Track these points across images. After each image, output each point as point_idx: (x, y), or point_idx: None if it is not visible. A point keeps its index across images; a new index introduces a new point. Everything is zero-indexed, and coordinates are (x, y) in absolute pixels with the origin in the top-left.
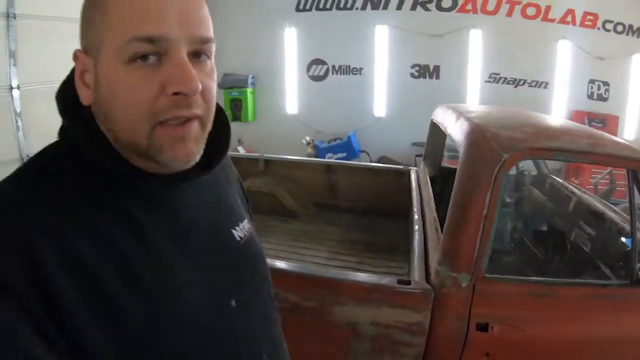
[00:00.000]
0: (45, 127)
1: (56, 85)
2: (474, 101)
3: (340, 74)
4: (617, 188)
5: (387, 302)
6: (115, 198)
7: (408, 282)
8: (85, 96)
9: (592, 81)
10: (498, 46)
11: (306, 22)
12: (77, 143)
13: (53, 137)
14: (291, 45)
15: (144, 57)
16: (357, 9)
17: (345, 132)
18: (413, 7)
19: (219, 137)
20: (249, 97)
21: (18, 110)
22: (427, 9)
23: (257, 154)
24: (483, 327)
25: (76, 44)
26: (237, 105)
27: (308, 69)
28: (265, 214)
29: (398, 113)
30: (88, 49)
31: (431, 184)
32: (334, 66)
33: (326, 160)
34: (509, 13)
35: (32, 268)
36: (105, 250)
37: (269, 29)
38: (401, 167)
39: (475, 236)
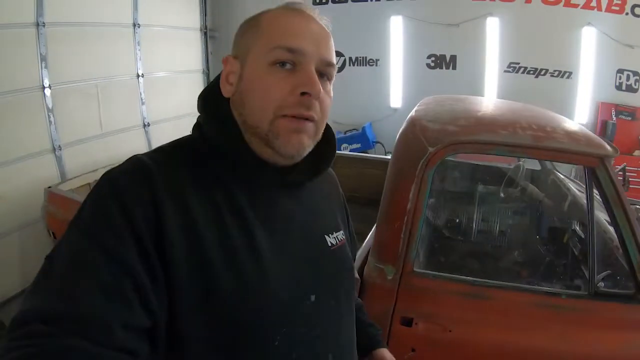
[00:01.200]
0: (73, 120)
1: (83, 83)
2: (492, 92)
3: (357, 65)
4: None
5: None
6: (230, 182)
7: None
8: (227, 90)
9: (620, 71)
10: (517, 34)
11: (323, 15)
12: (208, 133)
13: (80, 127)
14: None
15: (282, 63)
16: (372, 0)
17: (361, 123)
18: None
19: (325, 149)
20: None
21: (50, 106)
22: None
23: None
24: (407, 322)
25: (100, 46)
26: None
27: None
28: None
29: (414, 104)
30: (238, 55)
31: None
32: (350, 58)
33: (350, 153)
34: None
35: (155, 212)
36: (214, 223)
37: None
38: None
39: (400, 230)
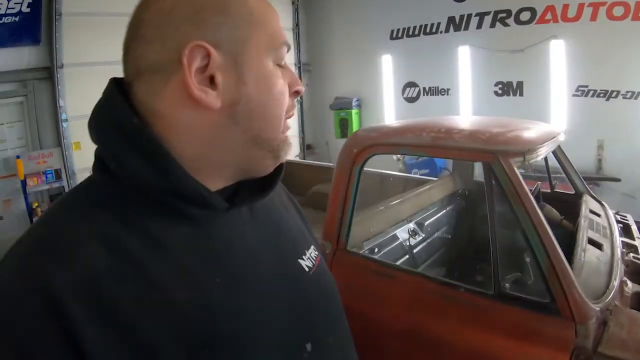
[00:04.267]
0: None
1: None
2: (561, 117)
3: (430, 95)
4: None
5: None
6: (175, 239)
7: None
8: (213, 99)
9: None
10: (584, 55)
11: (399, 49)
12: (143, 172)
13: None
14: (387, 70)
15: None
16: (441, 32)
17: None
18: (492, 25)
19: None
20: (354, 117)
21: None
22: (506, 25)
23: (331, 163)
24: None
25: None
26: (345, 124)
27: (403, 91)
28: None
29: None
30: (219, 44)
31: (459, 198)
32: (424, 88)
33: (378, 170)
34: (593, 17)
35: (53, 310)
36: (152, 300)
37: (369, 57)
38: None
39: (335, 214)
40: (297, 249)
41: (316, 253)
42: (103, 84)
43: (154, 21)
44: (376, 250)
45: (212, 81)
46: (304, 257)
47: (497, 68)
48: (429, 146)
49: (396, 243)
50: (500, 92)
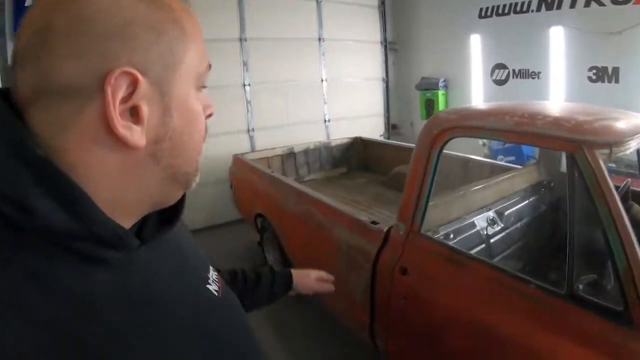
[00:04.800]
0: (264, 109)
1: (274, 84)
2: None
3: (520, 77)
4: None
5: (359, 233)
6: (83, 282)
7: (376, 223)
8: (138, 137)
9: None
10: None
11: (488, 28)
12: (41, 213)
13: (269, 117)
14: (476, 50)
15: None
16: (532, 11)
17: None
18: (587, 4)
19: None
20: (441, 98)
21: (248, 99)
22: (601, 4)
23: (413, 144)
24: (404, 271)
25: (290, 56)
26: (430, 105)
27: (491, 73)
28: None
29: None
30: (148, 69)
31: (542, 189)
32: (514, 70)
33: (458, 154)
34: None
35: None
36: None
37: (456, 36)
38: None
39: (411, 196)
40: (201, 274)
41: (215, 273)
42: None
43: (69, 30)
44: (452, 236)
45: (133, 113)
46: (209, 281)
47: (592, 51)
48: (509, 131)
49: (473, 231)
50: (594, 77)
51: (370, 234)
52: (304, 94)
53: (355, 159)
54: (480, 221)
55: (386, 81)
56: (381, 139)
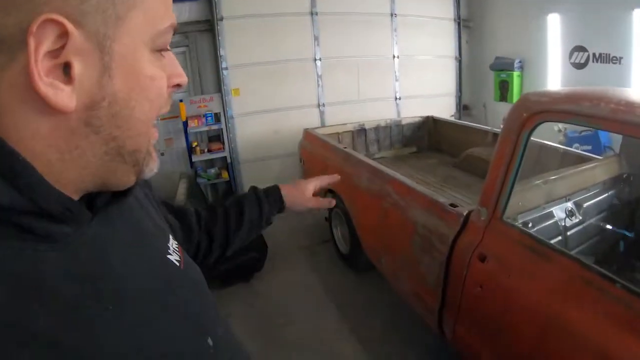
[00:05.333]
0: (335, 85)
1: (346, 59)
2: None
3: (600, 62)
4: None
5: (437, 214)
6: (28, 261)
7: (455, 206)
8: (65, 97)
9: None
10: None
11: (568, 7)
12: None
13: (341, 92)
14: (554, 30)
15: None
16: None
17: None
18: None
19: None
20: (515, 80)
21: (319, 74)
22: None
23: (488, 127)
24: (482, 258)
25: (362, 31)
26: (505, 87)
27: (570, 56)
28: (479, 176)
29: None
30: (84, 20)
31: (622, 183)
32: (594, 54)
33: (540, 141)
34: None
35: None
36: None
37: (534, 14)
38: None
39: (495, 181)
40: (160, 244)
41: (176, 242)
42: (262, 36)
43: None
44: (530, 225)
45: (67, 71)
46: (169, 251)
47: None
48: (606, 118)
49: (551, 221)
50: None
51: (448, 217)
52: (375, 70)
53: (426, 138)
54: (558, 212)
55: (459, 60)
56: (453, 119)
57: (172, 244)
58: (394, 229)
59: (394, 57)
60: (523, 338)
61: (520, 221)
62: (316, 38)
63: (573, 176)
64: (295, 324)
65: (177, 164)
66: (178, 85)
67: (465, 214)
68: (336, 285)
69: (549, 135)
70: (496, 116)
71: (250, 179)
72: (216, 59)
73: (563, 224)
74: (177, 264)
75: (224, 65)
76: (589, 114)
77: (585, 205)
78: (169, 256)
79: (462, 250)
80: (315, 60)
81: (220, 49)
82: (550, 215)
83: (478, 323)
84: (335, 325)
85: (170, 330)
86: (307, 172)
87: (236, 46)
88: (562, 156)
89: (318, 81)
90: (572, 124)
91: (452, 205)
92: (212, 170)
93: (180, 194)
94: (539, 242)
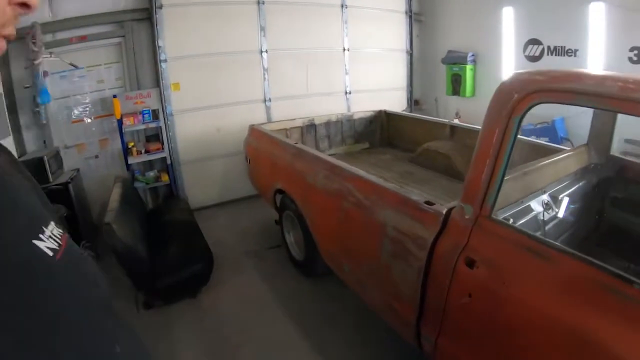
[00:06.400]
0: (281, 77)
1: (294, 51)
2: None
3: (555, 55)
4: None
5: (410, 214)
6: None
7: (432, 204)
8: None
9: None
10: None
11: (523, 1)
12: None
13: (286, 87)
14: (508, 24)
15: None
16: None
17: (553, 117)
18: None
19: None
20: (469, 73)
21: (266, 66)
22: None
23: (445, 120)
24: (470, 263)
25: (310, 22)
26: (457, 80)
27: (524, 49)
28: (438, 171)
29: None
30: None
31: (591, 173)
32: (549, 47)
33: None
34: None
35: None
36: None
37: (487, 8)
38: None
39: (481, 174)
40: (31, 224)
41: (60, 230)
42: (204, 25)
43: None
44: (511, 221)
45: None
46: (42, 235)
47: (634, 31)
48: (615, 97)
49: (530, 216)
50: (635, 59)
51: (424, 217)
52: (325, 63)
53: (379, 133)
54: (536, 205)
55: (410, 53)
56: (407, 113)
57: (53, 230)
58: (358, 232)
59: (344, 49)
60: (531, 353)
61: (500, 217)
62: (262, 28)
63: (547, 168)
64: (251, 343)
65: (113, 167)
66: (24, 5)
67: (444, 212)
68: (292, 295)
69: None
70: (448, 110)
71: (192, 181)
72: (154, 50)
73: (542, 217)
74: (50, 252)
75: (162, 57)
76: (595, 92)
77: (560, 197)
78: (37, 241)
79: (445, 254)
80: (262, 52)
81: (159, 40)
82: (529, 210)
83: (468, 335)
84: (298, 342)
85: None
86: (254, 172)
87: (176, 36)
88: (530, 148)
89: (264, 74)
90: (572, 104)
91: (427, 203)
92: (151, 173)
93: (113, 200)
94: (540, 242)
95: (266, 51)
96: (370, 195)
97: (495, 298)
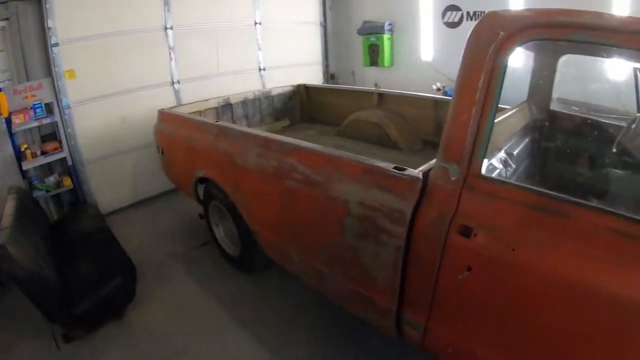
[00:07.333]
0: (190, 57)
1: (202, 27)
2: None
3: (475, 20)
4: None
5: (378, 185)
6: None
7: (403, 169)
8: None
9: None
10: None
11: None
12: None
13: (198, 66)
14: None
15: None
16: None
17: None
18: None
19: None
20: (386, 43)
21: (172, 45)
22: None
23: (373, 88)
24: (466, 233)
25: None
26: (375, 51)
27: (443, 15)
28: (369, 142)
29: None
30: None
31: (535, 128)
32: (468, 12)
33: (433, 96)
34: None
35: None
36: None
37: None
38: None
39: (467, 124)
40: None
41: None
42: (100, 2)
43: None
44: None
45: None
46: None
47: None
48: (617, 30)
49: (495, 174)
50: None
51: (396, 186)
52: (236, 39)
53: (299, 109)
54: (496, 163)
55: (324, 26)
56: (329, 85)
57: None
58: (309, 215)
59: (255, 23)
60: (556, 325)
61: None
62: (166, 3)
63: (499, 126)
64: None
65: (6, 177)
66: None
67: (421, 176)
68: (235, 298)
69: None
70: (366, 82)
71: (100, 182)
72: (44, 33)
73: (505, 175)
74: None
75: (53, 40)
76: (596, 25)
77: (515, 153)
78: None
79: (430, 226)
80: (167, 29)
81: (49, 20)
82: (493, 168)
83: (469, 315)
84: (253, 352)
85: None
86: (169, 162)
87: (68, 16)
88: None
89: (171, 54)
90: (570, 40)
91: (397, 169)
92: (51, 179)
93: (7, 215)
94: (552, 198)
95: (171, 28)
96: (322, 169)
97: (503, 267)
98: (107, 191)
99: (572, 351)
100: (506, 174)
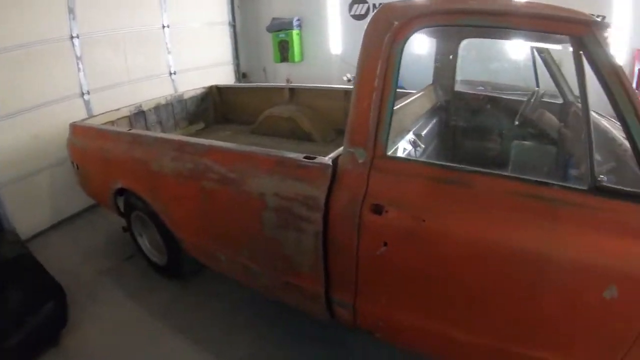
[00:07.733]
0: (99, 66)
1: (110, 33)
2: None
3: None
4: None
5: (291, 175)
6: None
7: (313, 158)
8: None
9: None
10: None
11: None
12: None
13: (108, 74)
14: None
15: None
16: None
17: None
18: None
19: None
20: (295, 38)
21: (79, 55)
22: None
23: (283, 84)
24: (377, 210)
25: (128, 2)
26: (285, 47)
27: (350, 9)
28: (284, 137)
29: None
30: None
31: (442, 109)
32: (374, 4)
33: (343, 87)
34: None
35: None
36: None
37: None
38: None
39: (369, 109)
40: None
41: None
42: None
43: None
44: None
45: None
46: None
47: None
48: (504, 14)
49: (405, 154)
50: None
51: (309, 174)
52: (145, 44)
53: (212, 110)
54: (405, 144)
55: (233, 25)
56: (240, 84)
57: None
58: (229, 213)
59: (163, 27)
60: (469, 284)
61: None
62: (71, 10)
63: (406, 109)
64: None
65: None
66: None
67: (331, 163)
68: (170, 307)
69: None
70: (278, 78)
71: (16, 205)
72: None
73: (414, 155)
74: None
75: None
76: (484, 10)
77: (423, 134)
78: None
79: (344, 208)
80: (72, 38)
81: None
82: (403, 149)
83: (391, 288)
84: (192, 358)
85: None
86: (85, 176)
87: None
88: None
89: (78, 64)
90: (462, 24)
91: (307, 158)
92: None
93: None
94: (454, 170)
95: (77, 36)
96: (236, 166)
97: (415, 238)
98: (25, 214)
99: (488, 305)
100: (416, 153)
